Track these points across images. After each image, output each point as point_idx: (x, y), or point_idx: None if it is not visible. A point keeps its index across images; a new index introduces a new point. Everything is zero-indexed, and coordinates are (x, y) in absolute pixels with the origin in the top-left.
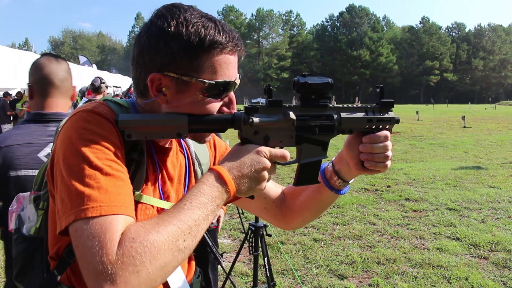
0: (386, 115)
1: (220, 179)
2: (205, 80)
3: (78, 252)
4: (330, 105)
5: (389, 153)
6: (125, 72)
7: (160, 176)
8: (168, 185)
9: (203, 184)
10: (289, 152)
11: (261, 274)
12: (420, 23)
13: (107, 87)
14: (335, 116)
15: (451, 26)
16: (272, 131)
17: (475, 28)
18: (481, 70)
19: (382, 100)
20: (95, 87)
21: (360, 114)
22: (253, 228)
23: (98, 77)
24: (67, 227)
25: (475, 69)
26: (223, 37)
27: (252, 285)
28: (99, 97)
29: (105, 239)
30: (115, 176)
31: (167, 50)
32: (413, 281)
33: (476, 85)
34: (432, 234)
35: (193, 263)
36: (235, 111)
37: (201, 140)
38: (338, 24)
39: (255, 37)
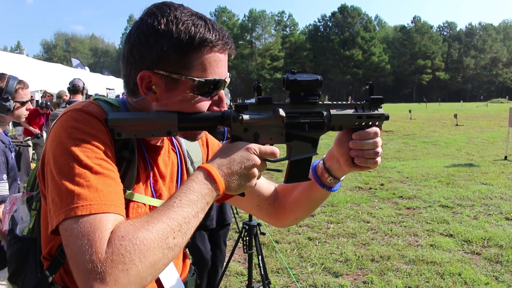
0: (376, 112)
1: (209, 177)
2: (194, 78)
3: (68, 251)
4: (320, 102)
5: (379, 149)
6: (118, 74)
7: (151, 175)
8: (160, 183)
9: (192, 182)
10: (279, 149)
11: (256, 273)
12: (411, 22)
13: (83, 89)
14: (325, 113)
15: (442, 25)
16: (262, 128)
17: (466, 27)
18: (472, 68)
19: (372, 96)
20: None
21: (349, 111)
22: (247, 227)
23: (79, 78)
24: (58, 226)
25: (467, 68)
26: (213, 35)
27: (247, 284)
28: (79, 98)
29: (94, 237)
30: (105, 175)
31: (157, 47)
32: (407, 277)
33: (468, 83)
34: (425, 231)
35: (188, 261)
36: (225, 109)
37: (192, 138)
38: (330, 24)
39: (248, 38)
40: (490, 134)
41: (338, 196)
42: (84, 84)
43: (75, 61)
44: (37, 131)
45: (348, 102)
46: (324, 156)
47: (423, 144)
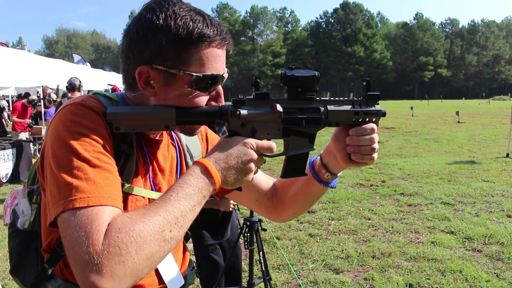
0: (373, 108)
1: (206, 171)
2: (192, 73)
3: (65, 243)
4: (317, 98)
5: (376, 145)
6: (119, 70)
7: (150, 168)
8: (160, 177)
9: (189, 176)
10: (276, 144)
11: (257, 269)
12: (414, 19)
13: (80, 87)
14: (322, 109)
15: (444, 22)
16: (259, 123)
17: (468, 24)
18: (474, 65)
19: (369, 93)
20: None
21: (346, 107)
22: (248, 223)
23: (76, 77)
24: (56, 218)
25: (469, 65)
26: (211, 30)
27: (248, 280)
28: (77, 95)
29: (91, 229)
30: (103, 168)
31: (155, 42)
32: (408, 274)
33: (470, 80)
34: (426, 228)
35: (188, 254)
36: (223, 104)
37: (190, 133)
38: (332, 21)
39: (249, 34)
40: (492, 131)
41: (339, 193)
42: (80, 82)
43: (76, 57)
44: (28, 121)
45: (346, 98)
46: (322, 151)
47: (425, 141)
